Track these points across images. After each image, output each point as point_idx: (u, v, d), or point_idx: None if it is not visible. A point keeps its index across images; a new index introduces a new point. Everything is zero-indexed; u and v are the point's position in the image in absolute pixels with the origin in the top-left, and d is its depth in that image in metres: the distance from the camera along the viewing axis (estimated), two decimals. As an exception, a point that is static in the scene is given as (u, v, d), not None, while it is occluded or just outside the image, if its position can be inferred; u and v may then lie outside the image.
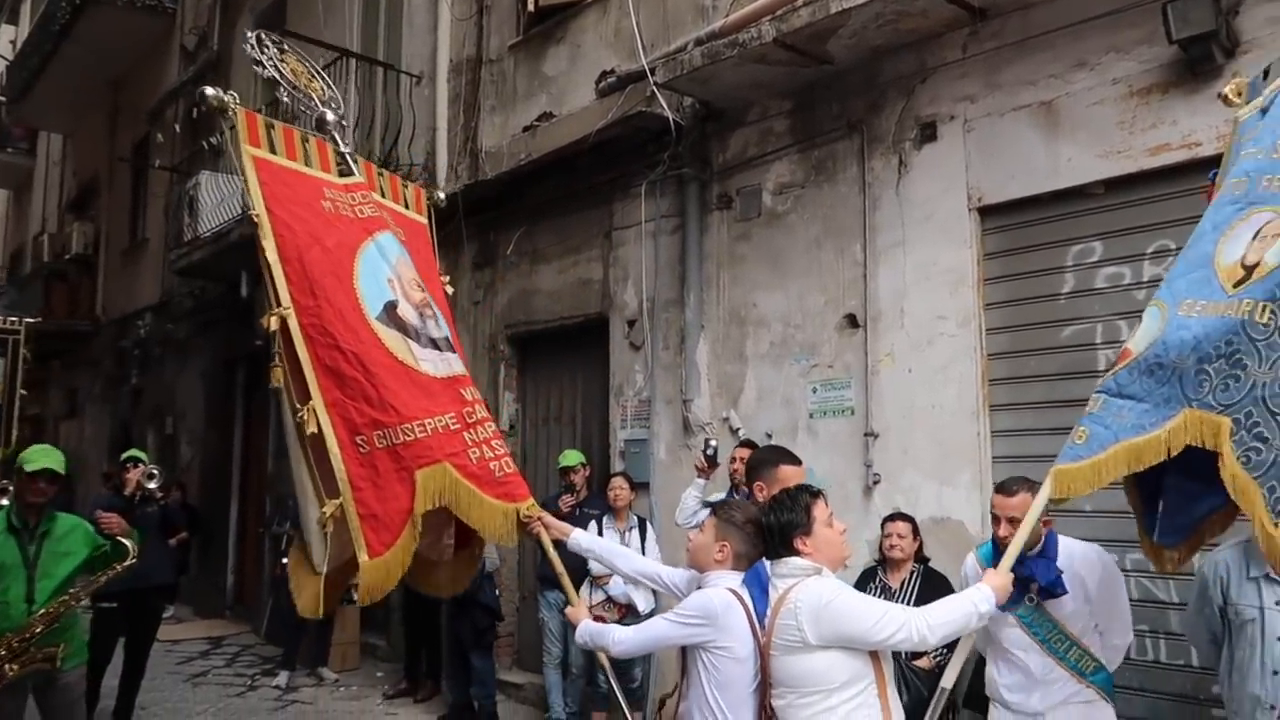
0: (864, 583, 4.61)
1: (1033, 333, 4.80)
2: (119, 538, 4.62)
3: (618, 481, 6.02)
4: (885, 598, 4.57)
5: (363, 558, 3.46)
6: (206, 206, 10.48)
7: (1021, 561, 3.07)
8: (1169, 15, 4.17)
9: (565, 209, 7.42)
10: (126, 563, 4.59)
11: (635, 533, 5.94)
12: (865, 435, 5.29)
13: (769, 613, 2.77)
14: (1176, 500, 3.14)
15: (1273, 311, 2.56)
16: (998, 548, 3.28)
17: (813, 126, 5.82)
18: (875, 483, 5.22)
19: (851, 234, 5.52)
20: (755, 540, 2.91)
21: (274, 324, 3.61)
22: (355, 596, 8.09)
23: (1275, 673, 3.28)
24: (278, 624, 9.09)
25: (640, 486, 6.30)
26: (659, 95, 6.24)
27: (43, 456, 4.46)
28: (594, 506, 6.19)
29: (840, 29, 5.13)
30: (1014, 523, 3.17)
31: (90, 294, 16.62)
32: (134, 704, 6.53)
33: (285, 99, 4.51)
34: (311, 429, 3.52)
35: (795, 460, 3.48)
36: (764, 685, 2.79)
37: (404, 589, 7.52)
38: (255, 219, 3.70)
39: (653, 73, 6.09)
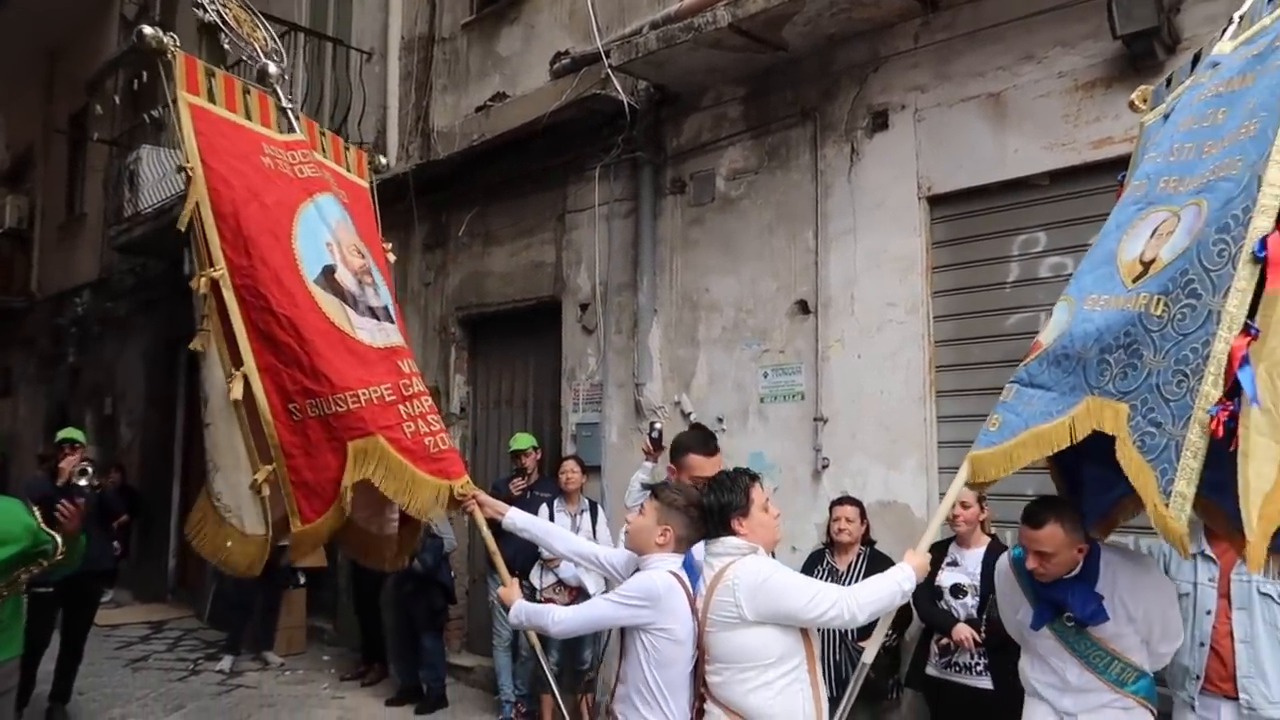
0: (812, 565, 4.69)
1: (979, 320, 4.89)
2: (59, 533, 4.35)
3: (569, 464, 6.02)
4: (833, 580, 4.65)
5: (296, 524, 3.50)
6: (148, 181, 10.21)
7: (1058, 585, 3.05)
8: (1114, 11, 4.26)
9: (518, 191, 7.37)
10: (54, 560, 4.11)
11: (586, 516, 5.96)
12: (815, 420, 5.35)
13: (705, 590, 2.84)
14: (1094, 486, 3.33)
15: (1166, 304, 2.68)
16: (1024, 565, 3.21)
17: (767, 113, 5.85)
18: (824, 467, 5.29)
19: (804, 220, 5.57)
20: (697, 524, 2.95)
21: (203, 285, 3.51)
22: (303, 580, 8.12)
23: (1202, 644, 3.51)
24: (222, 607, 8.96)
25: (592, 470, 6.32)
26: (614, 78, 6.21)
27: None
28: (545, 490, 6.19)
29: (795, 16, 5.15)
30: (1041, 555, 3.06)
31: (25, 269, 16.13)
32: (71, 688, 6.40)
33: (227, 46, 4.31)
34: (236, 394, 3.48)
35: (708, 450, 3.59)
36: (699, 663, 2.86)
37: (352, 574, 7.56)
38: (189, 172, 3.56)
39: (608, 55, 6.06)
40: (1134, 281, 2.82)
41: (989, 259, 4.89)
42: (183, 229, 3.57)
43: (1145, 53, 4.31)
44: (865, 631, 4.37)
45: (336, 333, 3.57)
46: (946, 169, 5.00)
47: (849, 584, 4.34)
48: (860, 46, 5.40)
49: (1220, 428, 2.44)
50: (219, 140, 3.69)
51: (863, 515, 4.70)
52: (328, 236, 3.77)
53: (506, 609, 3.20)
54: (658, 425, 5.00)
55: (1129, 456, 2.68)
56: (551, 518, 5.77)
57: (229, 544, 3.64)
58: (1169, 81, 3.42)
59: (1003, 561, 3.50)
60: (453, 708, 6.71)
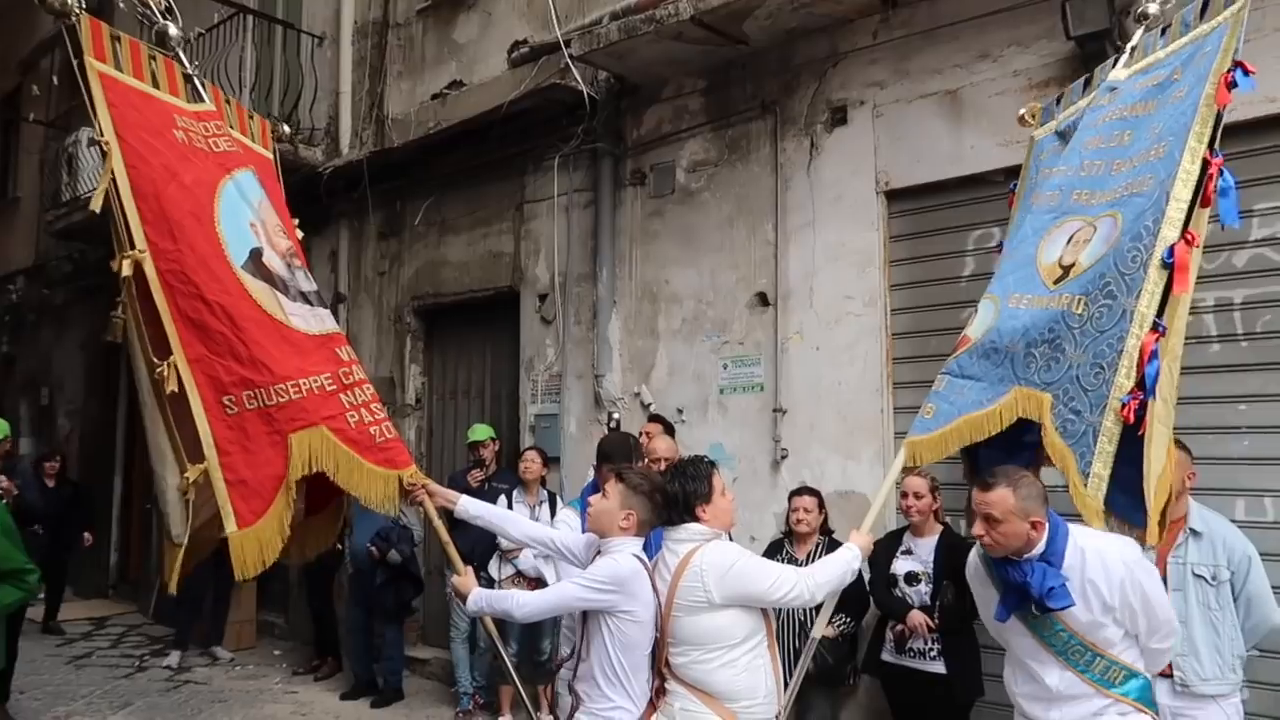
0: (771, 554, 4.74)
1: (935, 314, 4.99)
2: None
3: (530, 454, 6.00)
4: (792, 569, 4.73)
5: (230, 528, 3.24)
6: (87, 166, 9.90)
7: (1017, 565, 2.80)
8: (1067, 13, 4.38)
9: (475, 180, 7.31)
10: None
11: (545, 507, 5.95)
12: (774, 411, 5.42)
13: (671, 575, 2.90)
14: (987, 467, 3.48)
15: (1086, 304, 3.03)
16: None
17: (727, 106, 5.88)
18: (783, 457, 5.36)
19: (763, 213, 5.62)
20: (660, 509, 3.00)
21: (126, 268, 3.27)
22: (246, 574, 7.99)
23: None
24: (167, 603, 8.78)
25: (551, 461, 6.32)
26: (573, 68, 6.20)
27: None
28: (504, 481, 6.17)
29: (756, 10, 5.19)
30: (989, 520, 2.91)
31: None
32: (9, 688, 6.21)
33: (121, 4, 4.10)
34: (172, 387, 3.26)
35: (610, 461, 3.65)
36: (660, 644, 2.92)
37: (304, 567, 7.45)
38: (104, 146, 3.34)
39: (567, 45, 6.04)
40: (1055, 283, 3.18)
41: (946, 253, 4.99)
42: (97, 210, 3.34)
43: (1097, 54, 4.41)
44: (825, 620, 4.51)
45: (270, 321, 3.40)
46: (904, 164, 5.08)
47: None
48: (820, 42, 5.46)
49: (1131, 415, 2.81)
50: (130, 113, 3.45)
51: (821, 505, 4.77)
52: (250, 216, 3.58)
53: (463, 599, 3.16)
54: (616, 417, 5.02)
55: (1052, 442, 3.02)
56: (510, 508, 5.76)
57: (165, 547, 3.47)
58: (1059, 100, 3.89)
59: (972, 556, 3.16)
60: (409, 701, 6.66)
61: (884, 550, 4.49)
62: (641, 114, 6.34)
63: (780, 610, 4.58)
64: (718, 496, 3.03)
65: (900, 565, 4.40)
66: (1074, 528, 2.84)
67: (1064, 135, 3.75)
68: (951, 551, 4.27)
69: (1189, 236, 2.89)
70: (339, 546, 7.45)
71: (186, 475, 3.27)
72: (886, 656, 4.38)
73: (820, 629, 3.32)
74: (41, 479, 8.40)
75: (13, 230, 13.76)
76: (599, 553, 3.00)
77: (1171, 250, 2.86)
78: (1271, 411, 4.00)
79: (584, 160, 6.55)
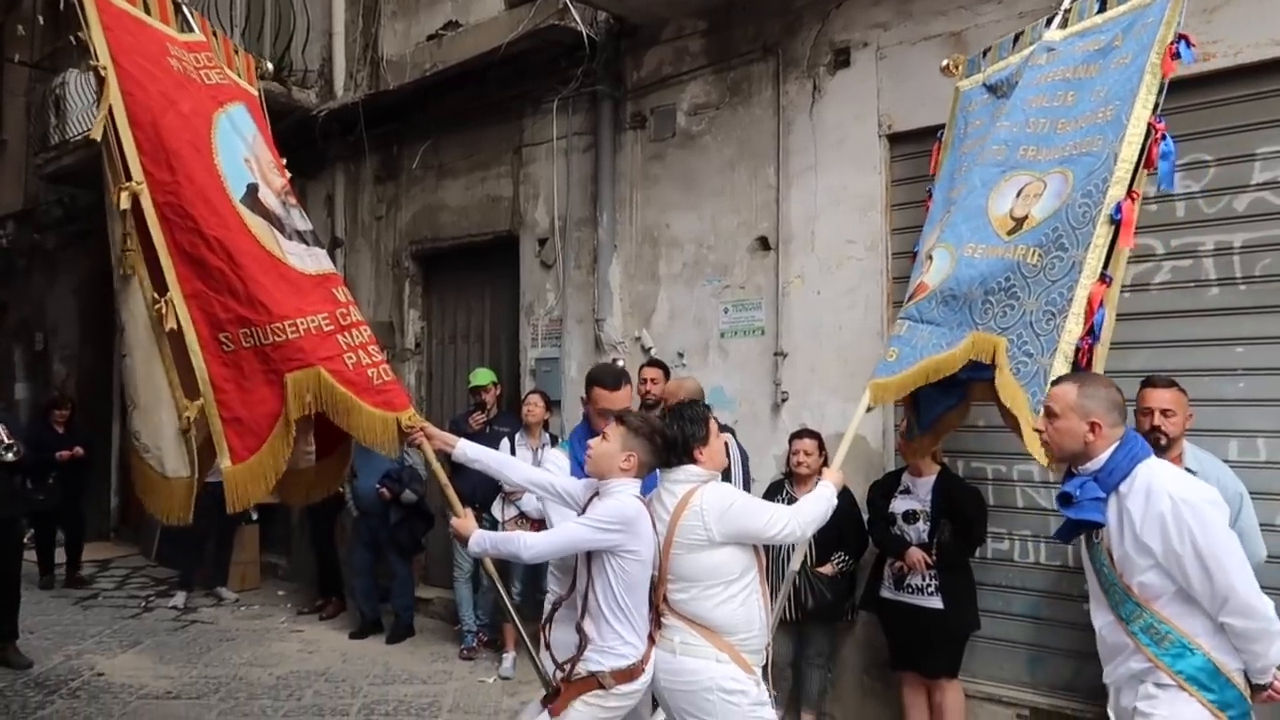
0: (771, 496, 4.83)
1: (936, 257, 5.01)
2: None
3: (533, 398, 6.06)
4: (793, 509, 4.83)
5: (225, 463, 3.27)
6: (76, 108, 9.74)
7: (1073, 477, 2.75)
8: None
9: (473, 123, 7.25)
10: None
11: (548, 450, 6.01)
12: (775, 355, 5.47)
13: (670, 515, 3.00)
14: (925, 405, 4.00)
15: (1040, 255, 3.28)
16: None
17: (728, 48, 5.83)
18: (783, 400, 5.42)
19: (765, 157, 5.60)
20: (659, 451, 3.06)
21: (124, 201, 3.18)
22: (255, 516, 8.06)
23: None
24: (170, 545, 8.88)
25: (552, 405, 6.38)
26: (572, 9, 6.13)
27: None
28: (505, 424, 6.24)
29: (760, -52, 5.12)
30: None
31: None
32: (16, 626, 6.30)
33: None
34: (171, 324, 3.22)
35: (614, 386, 3.65)
36: (659, 582, 3.02)
37: (307, 509, 7.54)
38: (99, 71, 3.23)
39: (567, -16, 5.96)
40: (1009, 234, 3.41)
41: (946, 198, 4.99)
42: (97, 137, 3.24)
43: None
44: (821, 559, 4.64)
45: (269, 258, 3.34)
46: (907, 107, 5.06)
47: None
48: (823, -18, 5.39)
49: (1085, 357, 3.13)
50: (125, 37, 3.33)
51: (821, 447, 4.84)
52: (245, 152, 3.48)
53: (463, 541, 3.16)
54: (619, 362, 5.06)
55: (1006, 381, 3.26)
56: (513, 452, 5.83)
57: (146, 486, 3.45)
58: (986, 53, 4.19)
59: None
60: (413, 639, 6.80)
61: (882, 490, 4.62)
62: (641, 56, 6.27)
63: (770, 550, 4.71)
64: (713, 439, 3.14)
65: (899, 504, 4.49)
66: (1155, 462, 2.64)
67: (994, 89, 4.02)
68: (949, 490, 4.38)
69: (1134, 195, 3.17)
70: (341, 489, 7.56)
71: (186, 413, 3.26)
72: (885, 593, 4.50)
73: (797, 563, 3.51)
74: (51, 426, 8.39)
75: (1, 173, 13.58)
76: (597, 494, 3.05)
77: (1119, 207, 3.13)
78: (1267, 354, 4.07)
79: (583, 103, 6.50)
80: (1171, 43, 3.23)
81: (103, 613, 7.68)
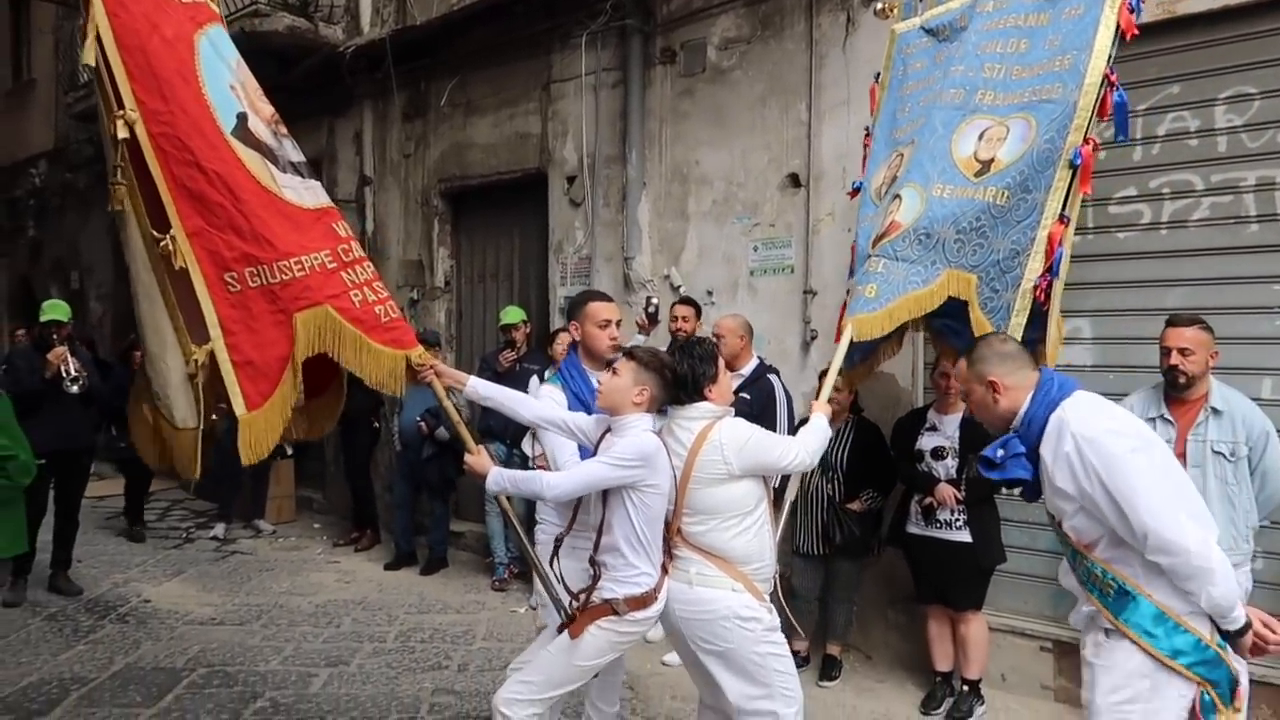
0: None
1: (969, 194, 4.96)
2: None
3: (563, 336, 6.03)
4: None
5: (240, 410, 3.13)
6: (105, 45, 9.75)
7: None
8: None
9: (501, 59, 7.19)
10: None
11: (542, 386, 6.04)
12: (804, 293, 5.47)
13: (686, 451, 3.04)
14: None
15: (1008, 196, 3.46)
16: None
17: (761, -21, 5.72)
18: (813, 338, 5.44)
19: (797, 92, 5.53)
20: (669, 386, 3.08)
21: (122, 129, 2.99)
22: (290, 451, 8.20)
23: None
24: (208, 479, 9.06)
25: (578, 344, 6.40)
26: (602, -60, 6.02)
27: None
28: (534, 362, 6.29)
29: (795, -125, 4.99)
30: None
31: (-28, 140, 15.47)
32: (71, 556, 6.54)
33: None
34: (179, 263, 3.05)
35: (604, 296, 3.64)
36: (674, 515, 3.06)
37: (341, 443, 7.70)
38: None
39: (597, -86, 5.85)
40: (976, 176, 3.56)
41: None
42: (91, 63, 3.04)
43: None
44: (850, 496, 4.71)
45: (266, 194, 3.17)
46: (943, 40, 4.95)
47: (840, 451, 4.68)
48: (859, -90, 5.26)
49: (1043, 294, 3.37)
50: None
51: (852, 386, 4.86)
52: (229, 78, 3.25)
53: (479, 479, 3.11)
54: (654, 300, 5.09)
55: (976, 316, 3.50)
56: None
57: (161, 437, 3.31)
58: None
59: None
60: (446, 571, 6.98)
61: (908, 427, 4.65)
62: (672, -11, 6.18)
63: (808, 488, 4.79)
64: (722, 377, 3.19)
65: (926, 441, 4.53)
66: (1072, 400, 2.48)
67: (935, 32, 4.15)
68: (976, 426, 4.34)
69: (1091, 141, 3.38)
70: (375, 425, 7.70)
71: (194, 357, 3.11)
72: (912, 529, 4.55)
73: (793, 492, 3.60)
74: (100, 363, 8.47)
75: (30, 113, 13.66)
76: (609, 430, 3.06)
77: (1079, 153, 3.33)
78: (1305, 291, 4.03)
79: (612, 38, 6.42)
80: (1124, 1, 3.42)
81: (146, 544, 7.92)
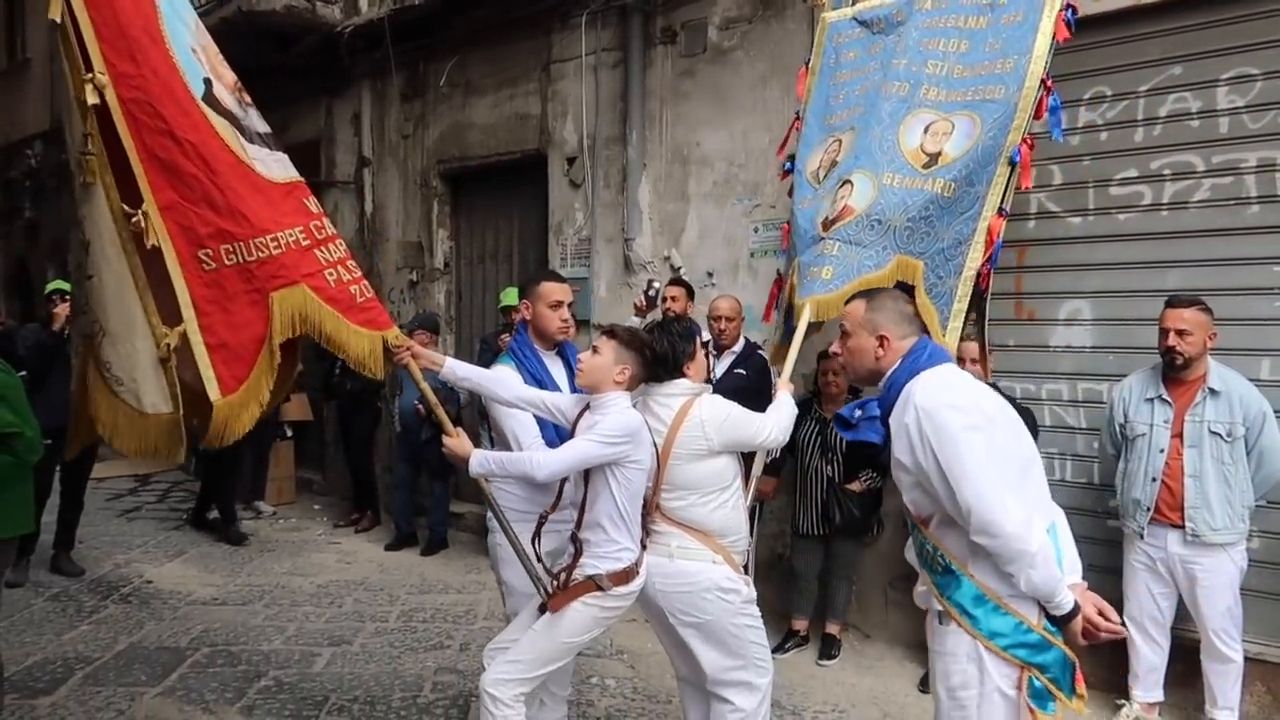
0: (802, 414, 4.89)
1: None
2: None
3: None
4: (820, 429, 4.90)
5: (214, 395, 2.97)
6: (100, 25, 9.68)
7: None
8: None
9: (500, 39, 7.15)
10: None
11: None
12: (805, 274, 5.45)
13: (667, 428, 3.07)
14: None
15: (954, 188, 3.69)
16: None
17: (762, -42, 5.69)
18: (812, 320, 5.43)
19: (798, 73, 5.50)
20: (648, 364, 3.10)
21: (91, 95, 2.77)
22: (289, 433, 8.18)
23: (1154, 479, 3.87)
24: (207, 461, 9.11)
25: (581, 324, 6.40)
26: (602, -82, 5.98)
27: None
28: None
29: None
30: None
31: (-33, 120, 15.39)
32: (74, 537, 6.57)
33: None
34: (152, 240, 2.89)
35: (557, 276, 3.62)
36: (653, 490, 3.09)
37: (340, 425, 7.71)
38: None
39: (597, -107, 5.80)
40: (924, 168, 3.78)
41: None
42: (55, 18, 2.83)
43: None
44: (849, 476, 4.73)
45: (240, 165, 2.99)
46: (945, 21, 4.94)
47: (837, 434, 4.68)
48: (862, -112, 5.22)
49: (985, 282, 3.70)
50: None
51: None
52: (190, 40, 3.05)
53: (460, 463, 3.04)
54: (656, 284, 5.09)
55: (922, 300, 3.64)
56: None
57: (119, 423, 3.10)
58: None
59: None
60: (447, 552, 7.01)
61: None
62: (672, -33, 6.14)
63: (807, 469, 4.82)
64: (699, 354, 3.24)
65: None
66: (931, 371, 2.39)
67: (869, 24, 4.36)
68: None
69: (1029, 141, 3.67)
70: (377, 406, 7.71)
71: (167, 340, 2.96)
72: None
73: (759, 467, 3.69)
74: None
75: (26, 93, 13.58)
76: (588, 408, 3.05)
77: (1019, 151, 3.62)
78: (1305, 273, 4.04)
79: (612, 18, 6.39)
80: (1060, 10, 3.72)
81: (147, 524, 7.95)
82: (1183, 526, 3.82)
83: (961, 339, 4.03)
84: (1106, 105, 4.54)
